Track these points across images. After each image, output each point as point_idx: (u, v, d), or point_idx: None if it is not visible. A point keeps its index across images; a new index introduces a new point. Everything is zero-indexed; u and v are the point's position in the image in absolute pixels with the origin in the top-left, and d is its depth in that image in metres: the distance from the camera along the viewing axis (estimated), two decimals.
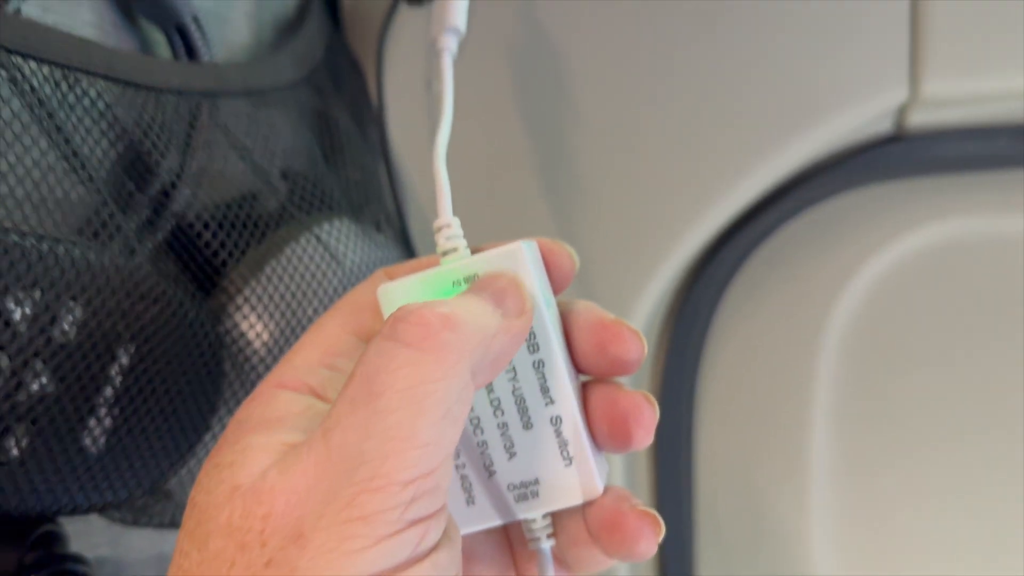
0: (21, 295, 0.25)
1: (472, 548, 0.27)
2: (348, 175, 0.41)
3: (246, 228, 0.34)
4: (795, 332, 0.50)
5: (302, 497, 0.19)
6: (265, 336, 0.33)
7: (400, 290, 0.25)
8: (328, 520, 0.19)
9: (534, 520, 0.26)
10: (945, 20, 0.41)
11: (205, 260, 0.33)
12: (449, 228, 0.26)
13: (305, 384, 0.24)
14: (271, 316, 0.33)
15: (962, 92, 0.41)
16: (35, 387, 0.26)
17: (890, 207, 0.47)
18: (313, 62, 0.42)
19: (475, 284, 0.24)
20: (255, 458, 0.20)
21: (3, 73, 0.26)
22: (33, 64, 0.27)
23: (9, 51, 0.25)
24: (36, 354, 0.25)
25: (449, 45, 0.38)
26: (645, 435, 0.25)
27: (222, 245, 0.33)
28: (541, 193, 0.47)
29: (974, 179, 0.46)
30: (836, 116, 0.43)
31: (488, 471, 0.25)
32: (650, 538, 0.24)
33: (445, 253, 0.26)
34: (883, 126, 0.45)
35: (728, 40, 0.43)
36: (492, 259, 0.25)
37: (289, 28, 0.46)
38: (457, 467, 0.25)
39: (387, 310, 0.25)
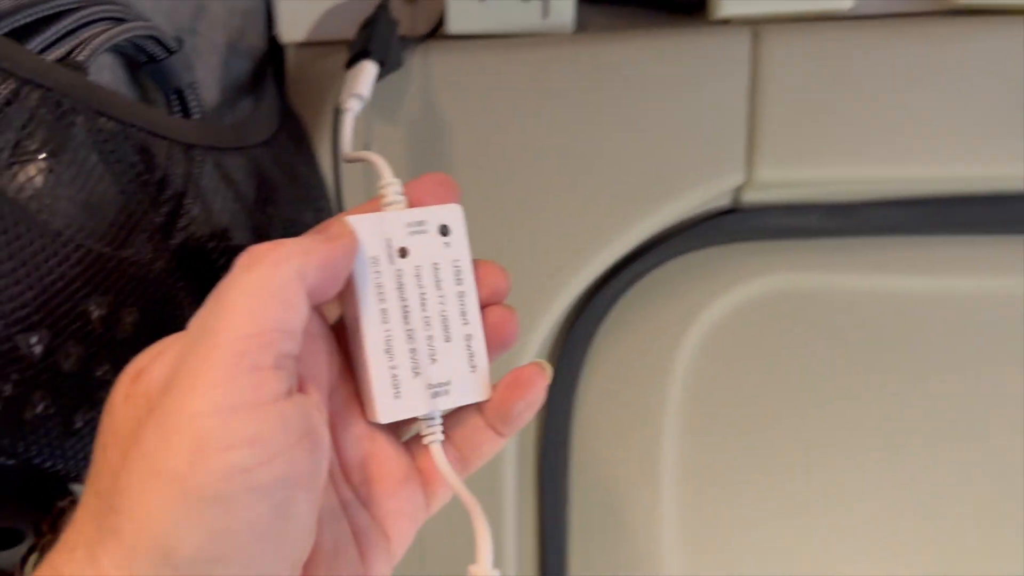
0: (99, 299, 0.32)
1: (375, 452, 0.33)
2: (305, 220, 0.49)
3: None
4: (653, 360, 0.62)
5: (170, 365, 0.26)
6: None
7: (365, 220, 0.31)
8: (185, 372, 0.25)
9: (431, 421, 0.32)
10: (773, 124, 0.54)
11: (209, 271, 0.40)
12: (393, 184, 0.32)
13: None
14: None
15: (785, 178, 0.54)
16: (99, 373, 0.33)
17: (728, 265, 0.61)
18: (275, 123, 0.50)
19: (316, 228, 0.31)
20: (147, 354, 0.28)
21: (88, 129, 0.33)
22: (103, 120, 0.34)
23: (98, 113, 0.33)
24: (105, 348, 0.32)
25: (352, 107, 0.47)
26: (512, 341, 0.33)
27: (225, 259, 0.41)
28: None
29: (793, 244, 0.59)
30: (690, 192, 0.55)
31: (415, 372, 0.32)
32: (541, 377, 0.33)
33: (388, 205, 0.32)
34: (724, 201, 0.57)
35: (609, 132, 0.54)
36: (427, 211, 0.32)
37: (249, 90, 0.54)
38: (390, 368, 0.31)
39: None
